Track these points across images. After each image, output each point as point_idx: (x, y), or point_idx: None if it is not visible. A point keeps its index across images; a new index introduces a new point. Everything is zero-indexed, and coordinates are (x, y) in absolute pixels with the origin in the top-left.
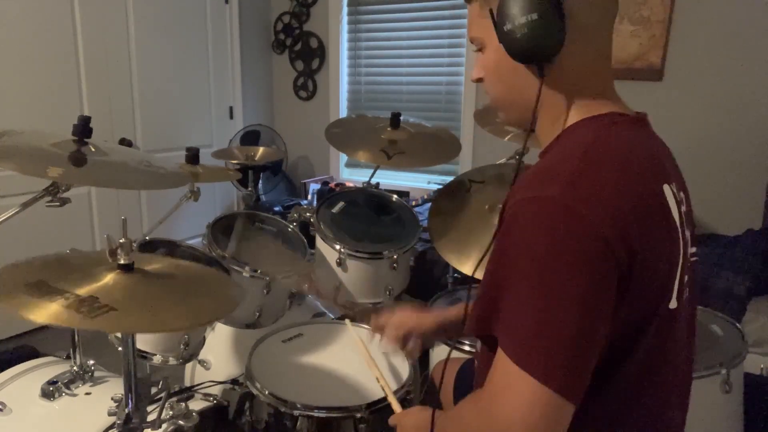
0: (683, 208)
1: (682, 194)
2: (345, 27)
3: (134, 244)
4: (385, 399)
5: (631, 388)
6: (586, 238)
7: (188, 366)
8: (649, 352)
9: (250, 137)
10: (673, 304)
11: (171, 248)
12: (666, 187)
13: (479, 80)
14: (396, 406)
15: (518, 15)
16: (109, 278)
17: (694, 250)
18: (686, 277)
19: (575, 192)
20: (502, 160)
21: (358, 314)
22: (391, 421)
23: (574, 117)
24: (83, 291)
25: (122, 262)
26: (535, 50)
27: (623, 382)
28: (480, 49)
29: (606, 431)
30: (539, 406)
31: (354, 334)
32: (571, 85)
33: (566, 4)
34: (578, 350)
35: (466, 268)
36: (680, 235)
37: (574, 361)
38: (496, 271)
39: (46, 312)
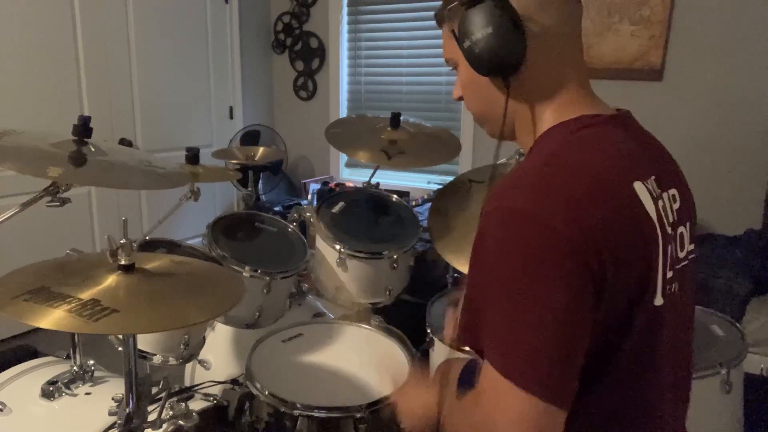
0: (673, 205)
1: (673, 191)
2: (345, 27)
3: (134, 245)
4: (385, 399)
5: (623, 384)
6: (552, 244)
7: (188, 366)
8: (639, 348)
9: (250, 137)
10: (658, 300)
11: (171, 248)
12: (638, 184)
13: (460, 98)
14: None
15: (475, 31)
16: (110, 280)
17: (692, 247)
18: (671, 273)
19: (537, 200)
20: (502, 160)
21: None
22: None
23: (546, 124)
24: (85, 294)
25: (123, 262)
26: (496, 62)
27: (614, 379)
28: (455, 69)
29: (600, 428)
30: (530, 416)
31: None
32: (539, 92)
33: (521, 13)
34: (561, 357)
35: (466, 268)
36: (659, 231)
37: (558, 369)
38: (474, 283)
39: (49, 318)
